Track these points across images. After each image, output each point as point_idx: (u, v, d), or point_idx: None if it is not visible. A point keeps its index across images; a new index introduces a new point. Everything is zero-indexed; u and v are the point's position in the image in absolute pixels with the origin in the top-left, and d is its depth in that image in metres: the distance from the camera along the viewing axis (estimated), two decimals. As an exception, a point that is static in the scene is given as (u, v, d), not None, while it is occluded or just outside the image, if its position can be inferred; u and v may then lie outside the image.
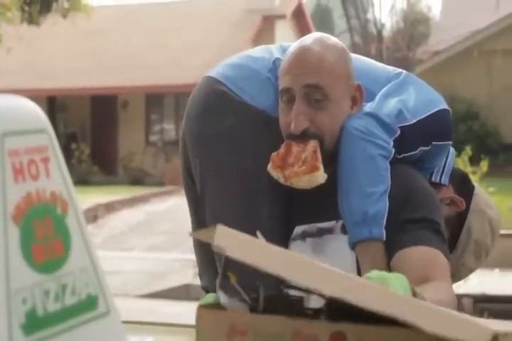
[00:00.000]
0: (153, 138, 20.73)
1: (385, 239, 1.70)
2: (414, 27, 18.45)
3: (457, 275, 1.92)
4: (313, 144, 1.72)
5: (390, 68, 1.98)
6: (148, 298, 8.27)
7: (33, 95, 19.74)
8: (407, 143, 1.78)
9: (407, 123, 1.78)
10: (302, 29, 24.13)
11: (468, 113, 17.69)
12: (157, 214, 13.61)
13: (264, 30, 21.66)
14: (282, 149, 1.74)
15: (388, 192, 1.73)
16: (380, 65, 1.99)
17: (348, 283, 0.97)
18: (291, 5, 22.62)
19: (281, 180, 1.74)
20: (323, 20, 43.38)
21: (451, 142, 1.91)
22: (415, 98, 1.83)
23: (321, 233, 1.78)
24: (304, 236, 1.80)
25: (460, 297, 7.92)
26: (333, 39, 1.88)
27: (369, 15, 18.90)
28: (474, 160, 9.22)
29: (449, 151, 1.96)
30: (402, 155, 1.78)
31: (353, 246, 1.72)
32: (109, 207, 13.99)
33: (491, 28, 18.79)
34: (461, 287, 8.33)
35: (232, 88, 1.87)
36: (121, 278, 9.13)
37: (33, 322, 1.00)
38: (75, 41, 21.17)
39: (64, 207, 1.10)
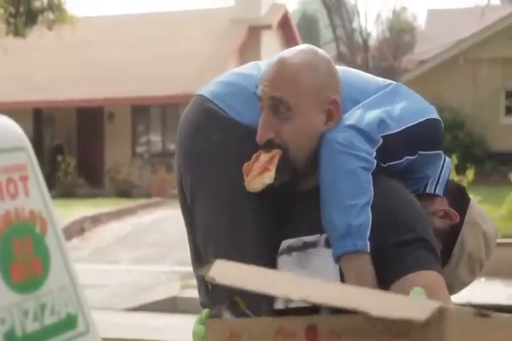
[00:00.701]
0: (139, 149, 20.70)
1: (369, 251, 1.69)
2: (400, 36, 18.54)
3: (450, 289, 1.88)
4: (274, 152, 1.76)
5: (380, 79, 1.98)
6: (134, 311, 8.22)
7: (19, 107, 19.70)
8: (391, 151, 1.77)
9: (391, 132, 1.76)
10: (288, 39, 24.20)
11: (454, 122, 17.77)
12: (144, 227, 13.58)
13: (250, 41, 21.71)
14: (252, 158, 1.79)
15: (371, 204, 1.72)
16: (369, 76, 2.00)
17: (311, 286, 1.06)
18: (277, 15, 22.68)
19: (246, 187, 1.77)
20: (310, 30, 43.51)
21: (440, 152, 1.89)
22: (402, 107, 1.82)
23: (305, 247, 1.77)
24: (289, 250, 1.80)
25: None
26: (316, 52, 1.90)
27: (355, 25, 18.97)
28: (460, 169, 9.25)
29: (444, 162, 1.95)
30: (387, 164, 1.77)
31: (337, 259, 1.71)
32: (96, 220, 13.94)
33: (477, 36, 18.90)
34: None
35: (219, 105, 1.89)
36: (107, 291, 9.08)
37: (11, 343, 1.00)
38: (61, 53, 21.16)
39: (43, 225, 1.10)
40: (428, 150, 1.85)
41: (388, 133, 1.76)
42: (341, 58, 19.24)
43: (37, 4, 15.43)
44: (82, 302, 1.11)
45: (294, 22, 25.30)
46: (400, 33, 18.51)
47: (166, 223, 13.14)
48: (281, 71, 1.82)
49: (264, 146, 1.78)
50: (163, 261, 10.82)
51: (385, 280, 1.68)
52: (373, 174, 1.74)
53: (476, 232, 1.96)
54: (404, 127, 1.78)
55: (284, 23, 23.50)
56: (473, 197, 2.04)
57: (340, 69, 1.93)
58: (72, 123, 20.89)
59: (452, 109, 17.95)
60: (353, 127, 1.77)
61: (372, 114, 1.78)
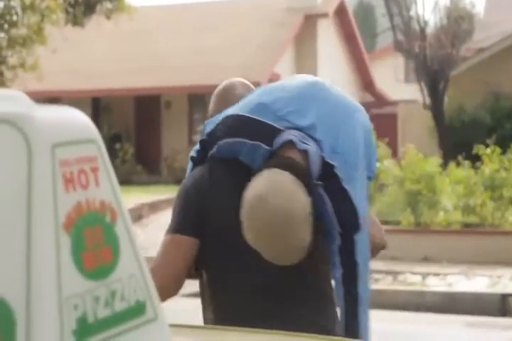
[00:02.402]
0: (196, 137, 20.80)
1: None
2: (458, 24, 18.22)
3: None
4: None
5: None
6: (194, 297, 8.30)
7: (78, 97, 19.96)
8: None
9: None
10: (345, 28, 24.02)
11: (513, 110, 17.51)
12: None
13: (306, 30, 21.59)
14: None
15: None
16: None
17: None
18: (333, 3, 22.50)
19: None
20: (366, 19, 43.13)
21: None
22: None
23: None
24: None
25: (507, 296, 7.85)
26: None
27: (412, 13, 18.69)
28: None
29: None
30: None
31: None
32: (154, 207, 14.10)
33: (536, 24, 18.53)
34: (508, 286, 8.25)
35: None
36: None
37: (84, 329, 1.03)
38: (119, 42, 21.35)
39: (113, 215, 1.13)
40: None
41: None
42: (398, 47, 19.00)
43: (95, -6, 15.60)
44: (150, 289, 1.14)
45: (351, 10, 25.08)
46: (458, 21, 18.20)
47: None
48: None
49: None
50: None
51: None
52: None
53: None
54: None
55: (341, 12, 23.31)
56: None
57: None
58: (129, 111, 21.09)
59: (510, 97, 17.67)
60: None
61: None
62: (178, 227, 2.14)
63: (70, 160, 1.08)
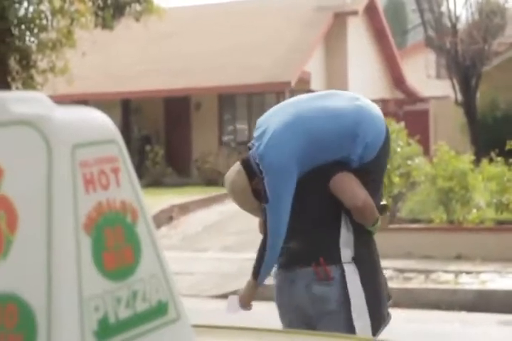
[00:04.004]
0: (226, 138, 20.84)
1: None
2: (490, 19, 18.06)
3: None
4: None
5: None
6: (221, 299, 8.31)
7: (108, 99, 20.08)
8: None
9: None
10: (375, 25, 23.92)
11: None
12: (231, 215, 13.68)
13: (336, 28, 21.54)
14: None
15: None
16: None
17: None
18: (363, 0, 22.43)
19: None
20: (396, 15, 42.89)
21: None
22: None
23: None
24: None
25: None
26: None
27: (443, 9, 18.56)
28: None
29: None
30: None
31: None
32: (184, 208, 14.14)
33: None
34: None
35: None
36: (195, 278, 9.21)
37: (106, 329, 1.03)
38: (148, 44, 21.45)
39: (134, 215, 1.13)
40: None
41: None
42: (429, 43, 18.89)
43: (124, -4, 15.67)
44: (172, 289, 1.14)
45: (381, 7, 24.96)
46: (490, 15, 18.04)
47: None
48: None
49: None
50: (251, 248, 10.88)
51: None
52: None
53: None
54: None
55: (371, 9, 23.22)
56: None
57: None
58: (159, 113, 21.18)
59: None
60: None
61: None
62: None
63: (90, 160, 1.08)
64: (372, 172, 3.07)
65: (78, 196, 1.05)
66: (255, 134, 3.09)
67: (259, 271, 3.13)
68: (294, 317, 3.05)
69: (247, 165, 3.13)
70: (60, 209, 1.02)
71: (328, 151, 3.00)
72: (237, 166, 3.17)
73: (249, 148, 3.16)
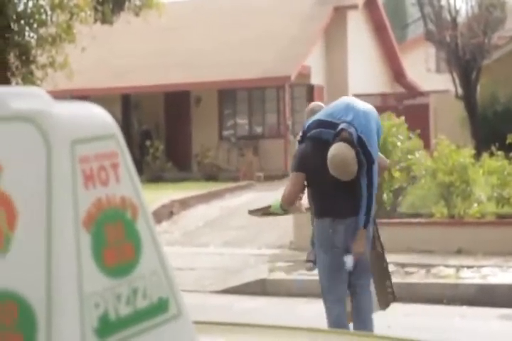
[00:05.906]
0: (226, 133, 20.82)
1: None
2: (490, 12, 18.02)
3: None
4: None
5: None
6: (223, 294, 8.31)
7: (108, 94, 20.06)
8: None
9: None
10: (375, 19, 23.88)
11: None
12: (232, 210, 13.68)
13: (336, 22, 21.51)
14: None
15: None
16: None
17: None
18: (362, -5, 22.38)
19: None
20: (396, 9, 42.78)
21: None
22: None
23: None
24: None
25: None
26: None
27: (443, 2, 18.51)
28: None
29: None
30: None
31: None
32: (184, 203, 14.13)
33: None
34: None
35: None
36: (196, 273, 9.20)
37: (106, 326, 1.02)
38: (148, 39, 21.42)
39: (134, 211, 1.12)
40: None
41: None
42: (429, 37, 18.85)
43: (124, -9, 15.66)
44: (173, 285, 1.13)
45: (381, 1, 24.92)
46: (490, 9, 18.00)
47: (253, 206, 13.19)
48: None
49: None
50: (252, 243, 10.89)
51: None
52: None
53: None
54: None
55: (370, 3, 23.18)
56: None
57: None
58: (159, 108, 21.16)
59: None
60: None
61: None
62: (298, 168, 4.85)
63: (90, 156, 1.08)
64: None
65: (78, 192, 1.04)
66: (348, 119, 4.66)
67: (369, 219, 4.70)
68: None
69: (349, 141, 4.57)
70: (59, 206, 1.01)
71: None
72: (341, 145, 4.57)
73: (299, 142, 4.97)
